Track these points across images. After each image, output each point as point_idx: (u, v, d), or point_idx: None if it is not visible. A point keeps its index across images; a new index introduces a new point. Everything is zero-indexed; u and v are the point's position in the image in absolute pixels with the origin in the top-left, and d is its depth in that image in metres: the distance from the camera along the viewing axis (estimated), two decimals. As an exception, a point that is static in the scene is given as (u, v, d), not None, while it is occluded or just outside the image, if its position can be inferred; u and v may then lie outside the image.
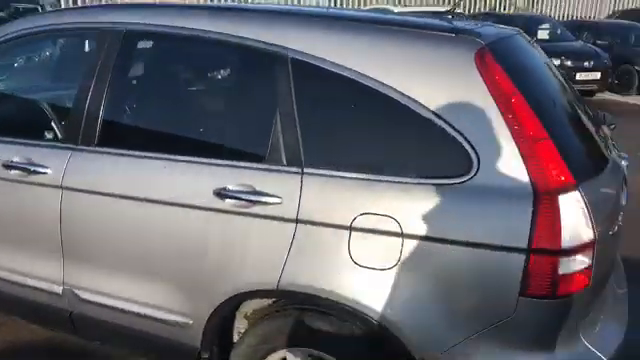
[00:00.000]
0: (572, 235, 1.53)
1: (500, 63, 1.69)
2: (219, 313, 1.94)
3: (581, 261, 1.56)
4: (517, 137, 1.58)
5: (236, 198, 1.83)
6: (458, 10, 14.18)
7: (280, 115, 1.83)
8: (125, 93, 2.19)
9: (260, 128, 1.89)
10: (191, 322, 2.00)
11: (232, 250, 1.87)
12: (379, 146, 1.74)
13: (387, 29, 1.84)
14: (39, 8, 8.85)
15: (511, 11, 15.60)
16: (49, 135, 2.26)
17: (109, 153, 2.08)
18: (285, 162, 1.81)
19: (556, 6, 16.56)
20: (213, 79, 2.16)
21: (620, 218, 1.85)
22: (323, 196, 1.74)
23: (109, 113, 2.11)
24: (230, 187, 1.84)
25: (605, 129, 2.17)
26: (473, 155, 1.60)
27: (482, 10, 15.95)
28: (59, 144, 2.18)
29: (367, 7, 12.15)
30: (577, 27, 13.08)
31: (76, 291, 2.20)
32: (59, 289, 2.23)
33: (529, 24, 10.83)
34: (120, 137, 2.14)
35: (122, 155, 2.05)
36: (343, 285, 1.71)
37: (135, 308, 2.10)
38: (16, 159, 2.20)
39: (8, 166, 2.21)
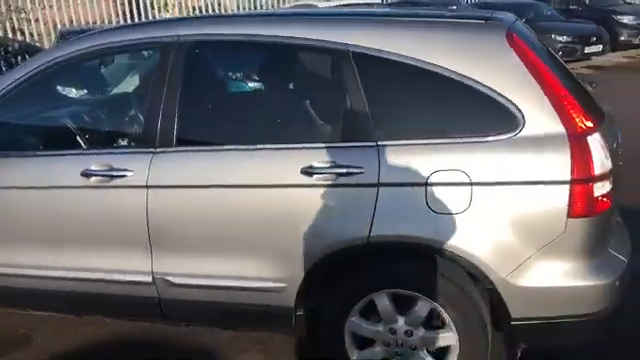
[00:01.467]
0: (599, 166, 2.03)
1: (523, 40, 2.17)
2: (312, 273, 2.29)
3: (606, 185, 2.06)
4: (549, 96, 2.05)
5: (322, 173, 2.18)
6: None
7: (350, 100, 2.20)
8: (197, 98, 2.45)
9: (334, 113, 2.25)
10: (286, 285, 2.33)
11: (322, 217, 2.21)
12: (440, 115, 2.17)
13: (430, 21, 2.26)
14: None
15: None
16: (123, 142, 2.47)
17: (190, 151, 2.35)
18: (360, 138, 2.19)
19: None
20: (286, 77, 2.47)
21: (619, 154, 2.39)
22: (399, 161, 2.14)
23: (184, 117, 2.37)
24: (315, 164, 2.19)
25: (589, 87, 2.72)
26: (518, 114, 2.06)
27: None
28: (138, 149, 2.41)
29: (292, 4, 12.49)
30: (481, 6, 14.20)
31: (167, 277, 2.44)
32: (148, 278, 2.47)
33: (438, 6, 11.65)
34: (199, 136, 2.41)
35: (205, 151, 2.34)
36: (424, 229, 2.12)
37: (229, 283, 2.38)
38: (94, 167, 2.41)
39: (87, 174, 2.41)
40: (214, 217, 2.34)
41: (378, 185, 2.15)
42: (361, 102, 2.18)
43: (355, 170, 2.16)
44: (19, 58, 10.46)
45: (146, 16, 13.76)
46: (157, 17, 14.02)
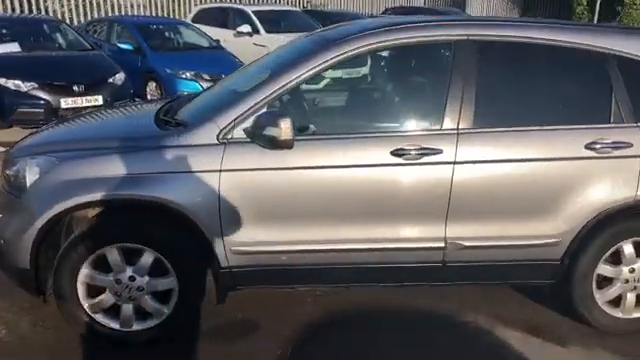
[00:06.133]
0: None
1: None
2: (585, 228, 2.89)
3: None
4: None
5: (600, 148, 2.80)
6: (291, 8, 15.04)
7: (616, 92, 2.86)
8: (490, 88, 2.86)
9: (602, 101, 2.87)
10: (560, 240, 2.89)
11: (600, 183, 2.82)
12: None
13: None
14: None
15: (308, 7, 17.45)
16: (425, 125, 2.83)
17: (489, 132, 2.79)
18: (627, 120, 2.86)
19: (341, 3, 19.18)
20: (561, 73, 2.99)
21: None
22: None
23: (479, 103, 2.80)
24: (596, 140, 2.81)
25: None
26: None
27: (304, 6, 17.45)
28: (444, 131, 2.77)
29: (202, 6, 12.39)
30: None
31: (458, 241, 2.83)
32: (441, 243, 2.84)
33: (343, 19, 12.68)
34: (496, 119, 2.83)
35: (503, 132, 2.79)
36: None
37: (510, 242, 2.87)
38: (405, 146, 2.72)
39: (398, 154, 2.72)
40: (509, 186, 2.80)
41: None
42: (624, 94, 2.86)
43: (625, 145, 2.82)
44: None
45: (30, 6, 12.43)
46: (43, 7, 12.66)
